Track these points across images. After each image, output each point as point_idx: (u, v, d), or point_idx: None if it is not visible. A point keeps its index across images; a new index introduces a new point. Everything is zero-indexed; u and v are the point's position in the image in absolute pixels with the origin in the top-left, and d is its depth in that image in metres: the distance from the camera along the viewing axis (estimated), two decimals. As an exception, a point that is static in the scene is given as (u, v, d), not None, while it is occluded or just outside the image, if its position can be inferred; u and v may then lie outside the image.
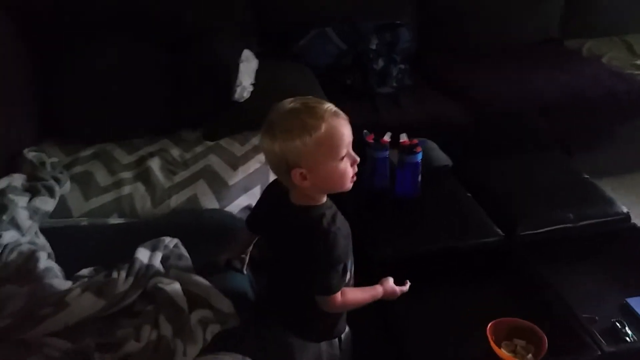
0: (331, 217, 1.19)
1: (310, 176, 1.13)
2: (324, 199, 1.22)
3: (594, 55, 2.96)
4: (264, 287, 1.48)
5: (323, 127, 1.10)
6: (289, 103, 1.14)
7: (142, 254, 1.49)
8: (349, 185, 1.19)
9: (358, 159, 1.18)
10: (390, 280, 1.36)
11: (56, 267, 1.47)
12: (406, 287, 1.36)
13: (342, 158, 1.14)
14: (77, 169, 1.94)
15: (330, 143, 1.11)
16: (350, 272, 1.27)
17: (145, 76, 2.20)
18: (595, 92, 2.56)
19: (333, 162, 1.13)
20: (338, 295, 1.22)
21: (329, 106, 1.14)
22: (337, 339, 1.38)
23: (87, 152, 2.04)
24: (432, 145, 2.12)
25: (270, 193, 1.33)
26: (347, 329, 1.41)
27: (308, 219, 1.19)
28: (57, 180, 1.81)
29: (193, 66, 2.18)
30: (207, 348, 1.29)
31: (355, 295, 1.27)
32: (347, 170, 1.16)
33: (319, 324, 1.32)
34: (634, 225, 1.79)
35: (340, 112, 1.15)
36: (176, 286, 1.40)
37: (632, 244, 1.73)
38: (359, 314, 1.65)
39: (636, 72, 2.71)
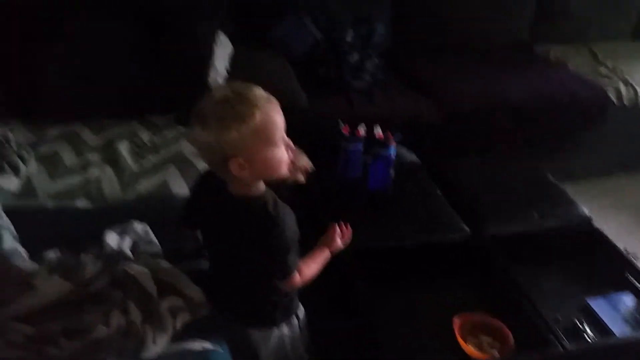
0: (273, 201, 1.20)
1: (249, 165, 1.12)
2: (263, 186, 1.22)
3: (560, 61, 3.03)
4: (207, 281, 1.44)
5: (258, 115, 1.09)
6: (219, 91, 1.13)
7: (111, 238, 1.47)
8: (286, 170, 1.19)
9: (292, 144, 1.18)
10: (335, 238, 1.37)
11: (21, 249, 1.43)
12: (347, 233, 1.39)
13: (279, 144, 1.14)
14: (43, 148, 1.89)
15: (266, 130, 1.11)
16: None
17: (116, 57, 2.15)
18: (561, 97, 2.63)
19: (270, 149, 1.13)
20: (296, 274, 1.24)
21: (260, 92, 1.13)
22: (295, 319, 1.39)
23: (54, 132, 1.98)
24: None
25: (204, 186, 1.30)
26: (300, 306, 1.42)
27: (252, 209, 1.19)
28: (23, 159, 1.75)
29: (166, 48, 2.14)
30: (177, 335, 1.28)
31: (310, 268, 1.30)
32: (284, 156, 1.17)
33: (276, 307, 1.33)
34: (595, 228, 1.85)
35: (272, 97, 1.14)
36: (146, 273, 1.38)
37: (593, 246, 1.80)
38: (327, 310, 1.68)
39: (600, 80, 2.79)
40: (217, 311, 1.37)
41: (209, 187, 1.26)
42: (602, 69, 2.91)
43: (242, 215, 1.20)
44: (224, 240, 1.28)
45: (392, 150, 1.87)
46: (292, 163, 1.23)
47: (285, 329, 1.38)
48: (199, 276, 1.42)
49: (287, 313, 1.38)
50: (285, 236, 1.18)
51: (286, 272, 1.23)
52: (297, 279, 1.26)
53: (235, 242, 1.24)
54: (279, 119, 1.13)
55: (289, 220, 1.20)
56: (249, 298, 1.33)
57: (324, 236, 1.38)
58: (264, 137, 1.11)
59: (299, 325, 1.41)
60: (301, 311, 1.42)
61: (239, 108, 1.09)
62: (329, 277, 1.70)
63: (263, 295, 1.31)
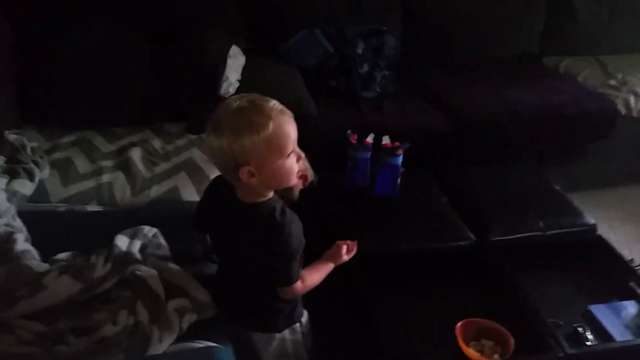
0: (281, 209, 1.22)
1: (259, 174, 1.15)
2: (271, 193, 1.24)
3: (570, 73, 3.04)
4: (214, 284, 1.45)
5: (271, 126, 1.11)
6: (235, 101, 1.15)
7: (121, 241, 1.49)
8: (295, 180, 1.22)
9: (303, 155, 1.21)
10: (341, 255, 1.38)
11: (33, 250, 1.47)
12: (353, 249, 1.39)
13: (289, 155, 1.17)
14: (57, 155, 1.94)
15: (278, 141, 1.13)
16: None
17: (130, 66, 2.20)
18: (569, 109, 2.63)
19: (280, 160, 1.16)
20: (299, 282, 1.26)
21: (275, 104, 1.15)
22: (298, 324, 1.41)
23: (68, 139, 2.03)
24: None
25: (215, 191, 1.33)
26: (304, 312, 1.43)
27: (260, 216, 1.21)
28: (37, 165, 1.80)
29: (180, 58, 2.19)
30: (182, 336, 1.30)
31: (312, 277, 1.31)
32: (294, 166, 1.19)
33: (279, 313, 1.35)
34: (600, 236, 1.86)
35: (286, 110, 1.16)
36: (154, 274, 1.41)
37: (597, 254, 1.80)
38: (333, 313, 1.69)
39: (609, 92, 2.80)
40: (221, 313, 1.39)
41: (219, 192, 1.29)
42: (612, 81, 2.92)
43: (250, 221, 1.23)
44: (231, 245, 1.31)
45: (400, 158, 1.90)
46: (300, 173, 1.25)
47: (287, 334, 1.39)
48: (205, 279, 1.44)
49: (290, 320, 1.39)
50: (290, 244, 1.20)
51: (288, 279, 1.24)
52: (299, 287, 1.27)
53: (242, 247, 1.27)
54: (291, 131, 1.16)
55: (295, 229, 1.22)
56: (253, 303, 1.35)
57: (330, 251, 1.39)
58: (276, 147, 1.14)
59: (302, 331, 1.42)
60: (305, 317, 1.43)
61: (253, 118, 1.12)
62: (335, 282, 1.74)
63: (266, 301, 1.32)
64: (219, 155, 1.15)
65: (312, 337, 1.47)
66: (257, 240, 1.22)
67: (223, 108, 1.15)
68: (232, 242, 1.30)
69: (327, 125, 2.32)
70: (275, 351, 1.39)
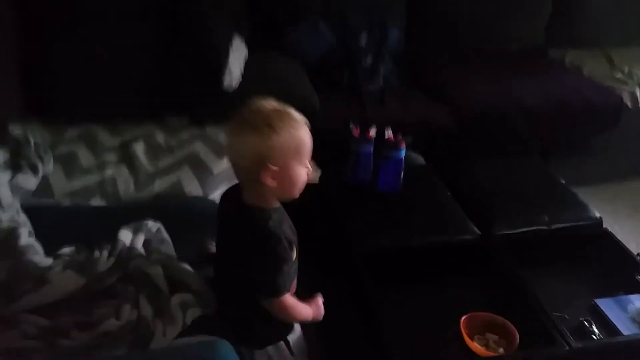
0: (278, 220, 1.22)
1: (279, 177, 1.16)
2: (276, 203, 1.24)
3: (575, 66, 3.02)
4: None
5: (302, 131, 1.16)
6: (265, 102, 1.17)
7: (125, 236, 1.49)
8: (298, 194, 1.23)
9: (311, 171, 1.23)
10: (320, 305, 1.37)
11: (37, 245, 1.47)
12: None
13: (306, 165, 1.19)
14: (61, 149, 1.94)
15: (304, 148, 1.17)
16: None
17: (133, 59, 2.19)
18: (574, 102, 2.62)
19: (300, 167, 1.18)
20: (285, 297, 1.23)
21: (299, 114, 1.19)
22: (282, 342, 1.36)
23: (71, 133, 2.03)
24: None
25: (226, 197, 1.34)
26: (297, 330, 1.40)
27: (255, 220, 1.20)
28: (41, 159, 1.80)
29: (183, 50, 2.19)
30: (186, 331, 1.30)
31: (297, 305, 1.29)
32: (305, 177, 1.20)
33: (260, 328, 1.31)
34: (606, 230, 1.84)
35: (306, 122, 1.19)
36: (157, 269, 1.41)
37: (603, 248, 1.79)
38: (335, 308, 1.69)
39: (615, 85, 2.78)
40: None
41: (229, 197, 1.31)
42: (618, 74, 2.90)
43: (245, 224, 1.22)
44: (226, 245, 1.31)
45: (403, 152, 1.88)
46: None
47: (271, 350, 1.36)
48: (207, 278, 1.44)
49: (276, 335, 1.35)
50: (277, 254, 1.19)
51: (275, 289, 1.22)
52: (287, 302, 1.24)
53: (234, 249, 1.26)
54: (310, 142, 1.19)
55: (285, 241, 1.20)
56: (238, 310, 1.32)
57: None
58: (301, 153, 1.17)
59: (291, 351, 1.37)
60: (295, 334, 1.39)
61: (289, 117, 1.15)
62: (339, 280, 1.74)
63: (251, 311, 1.28)
64: (247, 153, 1.15)
65: (307, 355, 1.43)
66: (246, 243, 1.21)
67: (250, 108, 1.16)
68: (228, 241, 1.30)
69: (330, 119, 2.30)
70: None
